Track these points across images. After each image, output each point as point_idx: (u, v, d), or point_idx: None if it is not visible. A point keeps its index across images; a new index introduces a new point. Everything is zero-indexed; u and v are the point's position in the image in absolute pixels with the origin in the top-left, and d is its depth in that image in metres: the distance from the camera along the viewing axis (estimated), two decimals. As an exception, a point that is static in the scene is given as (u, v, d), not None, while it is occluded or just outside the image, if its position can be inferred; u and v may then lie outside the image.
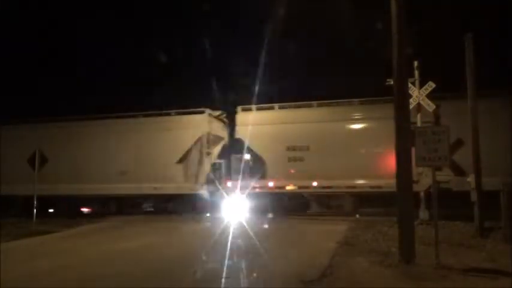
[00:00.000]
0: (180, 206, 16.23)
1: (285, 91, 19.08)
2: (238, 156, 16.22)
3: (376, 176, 13.82)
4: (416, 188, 10.55)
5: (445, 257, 7.07)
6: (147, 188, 16.09)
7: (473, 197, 10.02)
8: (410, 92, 11.90)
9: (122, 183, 16.16)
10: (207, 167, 16.33)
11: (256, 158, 15.86)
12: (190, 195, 15.97)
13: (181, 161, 16.11)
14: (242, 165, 15.70)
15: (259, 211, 14.61)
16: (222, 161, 17.04)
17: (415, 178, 9.98)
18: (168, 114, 17.07)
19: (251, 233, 9.66)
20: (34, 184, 13.29)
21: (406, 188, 7.31)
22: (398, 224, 7.39)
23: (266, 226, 12.65)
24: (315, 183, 14.99)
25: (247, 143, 15.69)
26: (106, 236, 11.59)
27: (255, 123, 15.40)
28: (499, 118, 12.23)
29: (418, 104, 12.64)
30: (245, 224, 11.11)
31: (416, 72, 12.85)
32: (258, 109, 16.26)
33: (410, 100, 11.88)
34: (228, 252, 7.96)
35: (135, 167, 16.41)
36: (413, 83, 12.63)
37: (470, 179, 10.22)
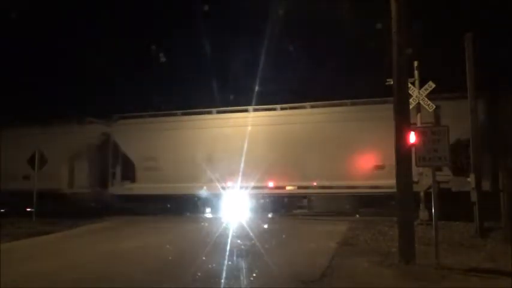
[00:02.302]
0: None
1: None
2: None
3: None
4: (416, 188, 10.48)
5: (445, 257, 7.08)
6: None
7: (473, 197, 10.02)
8: (410, 92, 11.88)
9: (376, 180, 14.04)
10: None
11: None
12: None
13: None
14: None
15: None
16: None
17: (415, 178, 9.93)
18: None
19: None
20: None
21: (406, 188, 7.31)
22: (398, 224, 7.39)
23: (266, 226, 12.66)
24: None
25: None
26: (106, 236, 11.58)
27: None
28: (499, 118, 12.17)
29: (418, 104, 12.64)
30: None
31: (416, 72, 12.84)
32: None
33: (410, 100, 11.85)
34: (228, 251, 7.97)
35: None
36: (413, 83, 12.62)
37: (471, 179, 10.22)
